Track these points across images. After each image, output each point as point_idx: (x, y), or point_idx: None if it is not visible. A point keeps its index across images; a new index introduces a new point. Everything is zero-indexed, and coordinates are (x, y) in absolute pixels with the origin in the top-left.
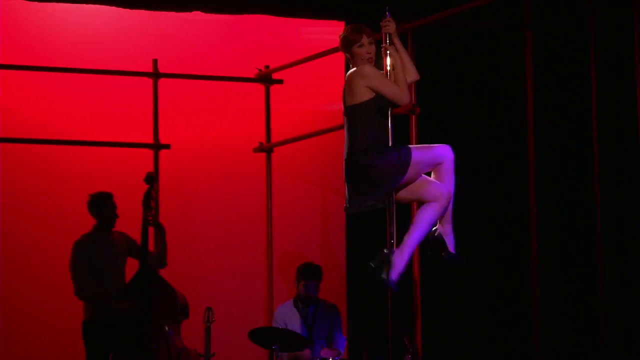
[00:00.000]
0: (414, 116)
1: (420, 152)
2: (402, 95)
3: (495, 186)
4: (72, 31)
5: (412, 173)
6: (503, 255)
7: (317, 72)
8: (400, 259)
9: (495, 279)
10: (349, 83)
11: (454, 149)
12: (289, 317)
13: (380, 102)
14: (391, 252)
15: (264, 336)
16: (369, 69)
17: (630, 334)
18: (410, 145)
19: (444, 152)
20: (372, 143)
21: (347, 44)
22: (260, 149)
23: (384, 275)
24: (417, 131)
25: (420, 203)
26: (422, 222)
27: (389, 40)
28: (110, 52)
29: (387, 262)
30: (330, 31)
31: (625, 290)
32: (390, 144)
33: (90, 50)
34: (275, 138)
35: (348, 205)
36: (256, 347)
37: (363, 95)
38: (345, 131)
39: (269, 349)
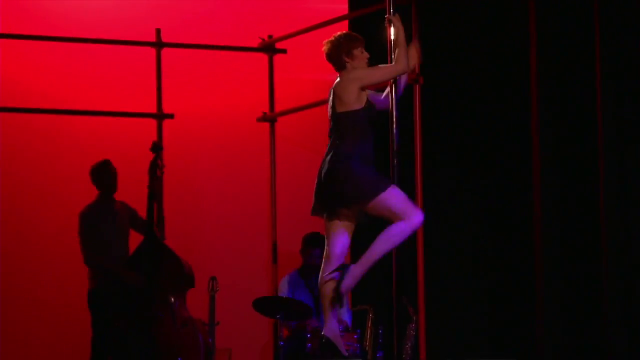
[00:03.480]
0: (417, 85)
1: (399, 193)
2: (399, 68)
3: (498, 160)
4: (75, 0)
5: (380, 203)
6: (506, 238)
7: (321, 42)
8: (352, 274)
9: (499, 260)
10: (339, 93)
11: (457, 123)
12: (295, 287)
13: (370, 113)
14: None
15: (268, 305)
16: (356, 72)
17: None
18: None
19: (415, 215)
20: (358, 153)
21: (349, 44)
22: (263, 118)
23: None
24: (420, 100)
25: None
26: (385, 238)
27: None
28: (113, 21)
29: (344, 272)
30: (334, 0)
31: (629, 288)
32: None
33: (93, 20)
34: (278, 108)
35: (316, 209)
36: (260, 316)
37: (355, 103)
38: (329, 136)
39: (273, 317)
